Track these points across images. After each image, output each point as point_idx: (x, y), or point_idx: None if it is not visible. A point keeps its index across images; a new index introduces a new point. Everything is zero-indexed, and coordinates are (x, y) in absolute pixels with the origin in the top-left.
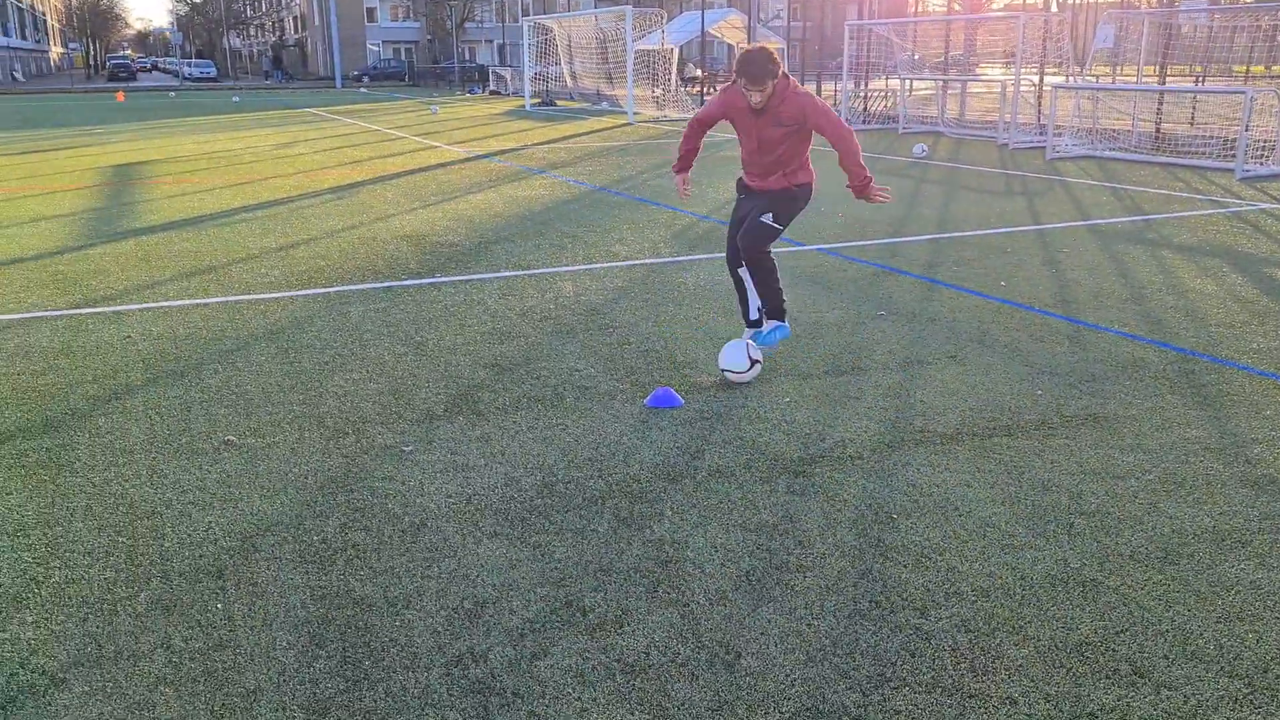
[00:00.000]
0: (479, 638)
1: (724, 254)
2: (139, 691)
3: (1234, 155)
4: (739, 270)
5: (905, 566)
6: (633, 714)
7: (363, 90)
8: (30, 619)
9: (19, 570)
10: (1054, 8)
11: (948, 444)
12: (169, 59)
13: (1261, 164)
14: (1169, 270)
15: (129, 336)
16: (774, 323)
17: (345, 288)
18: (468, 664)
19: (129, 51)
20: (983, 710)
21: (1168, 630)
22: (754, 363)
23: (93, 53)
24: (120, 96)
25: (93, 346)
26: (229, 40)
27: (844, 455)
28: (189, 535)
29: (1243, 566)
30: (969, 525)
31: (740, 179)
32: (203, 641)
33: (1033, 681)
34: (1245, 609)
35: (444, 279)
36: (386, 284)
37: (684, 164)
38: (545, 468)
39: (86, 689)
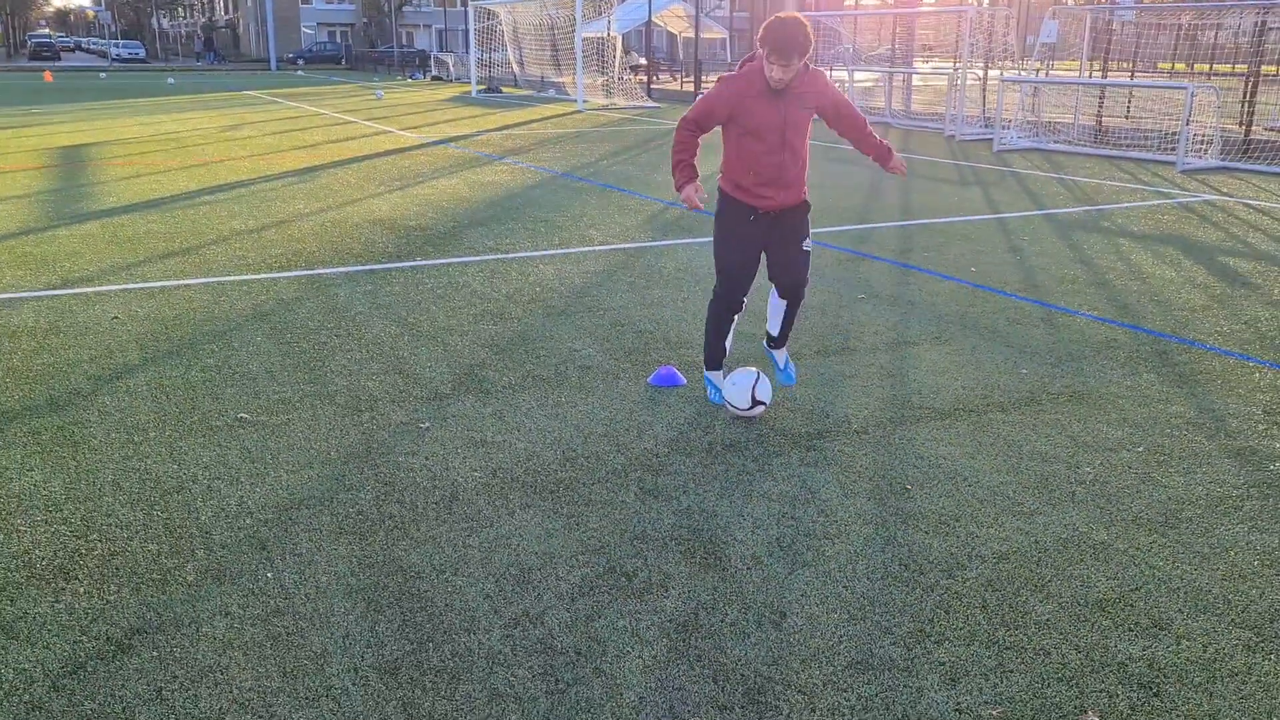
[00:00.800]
0: (531, 601)
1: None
2: (207, 656)
3: (1173, 148)
4: (738, 313)
5: (926, 533)
6: (693, 669)
7: (299, 73)
8: (81, 589)
9: (59, 544)
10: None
11: (947, 419)
12: (92, 39)
13: (1200, 157)
14: (1126, 258)
15: (116, 317)
16: (786, 352)
17: (326, 270)
18: (526, 626)
19: (47, 30)
20: (1020, 661)
21: (1179, 587)
22: (756, 403)
23: (10, 31)
24: (48, 76)
25: (82, 327)
26: (159, 20)
27: (850, 430)
28: (223, 509)
29: (1238, 529)
30: (979, 494)
31: (732, 201)
32: (260, 609)
33: (1062, 635)
34: (1246, 567)
35: (424, 262)
36: (367, 267)
37: (692, 172)
38: (563, 443)
39: (154, 654)
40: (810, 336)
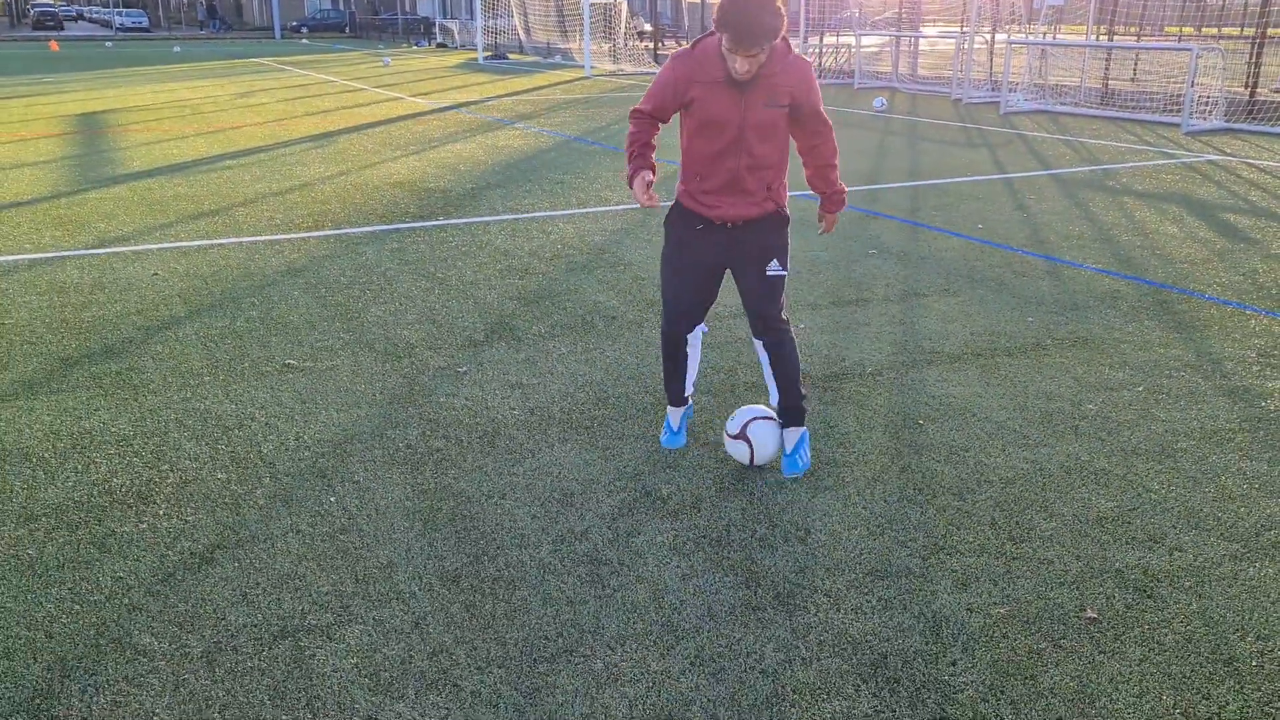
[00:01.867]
0: (575, 521)
1: None
2: (284, 565)
3: (1178, 110)
4: (689, 341)
5: (938, 461)
6: (728, 576)
7: (304, 41)
8: (160, 512)
9: (134, 473)
10: None
11: (956, 363)
12: (94, 8)
13: (1204, 119)
14: (1131, 215)
15: (157, 274)
16: (801, 431)
17: (352, 230)
18: (572, 541)
19: None
20: (1025, 569)
21: (1173, 507)
22: (741, 437)
23: (13, 1)
24: (54, 46)
25: (125, 283)
26: None
27: (864, 373)
28: (282, 443)
29: (1229, 457)
30: (987, 428)
31: (680, 208)
32: (328, 527)
33: (1064, 547)
34: (1235, 490)
35: (446, 221)
36: (393, 226)
37: (642, 161)
38: (594, 384)
39: (235, 565)
40: (825, 289)
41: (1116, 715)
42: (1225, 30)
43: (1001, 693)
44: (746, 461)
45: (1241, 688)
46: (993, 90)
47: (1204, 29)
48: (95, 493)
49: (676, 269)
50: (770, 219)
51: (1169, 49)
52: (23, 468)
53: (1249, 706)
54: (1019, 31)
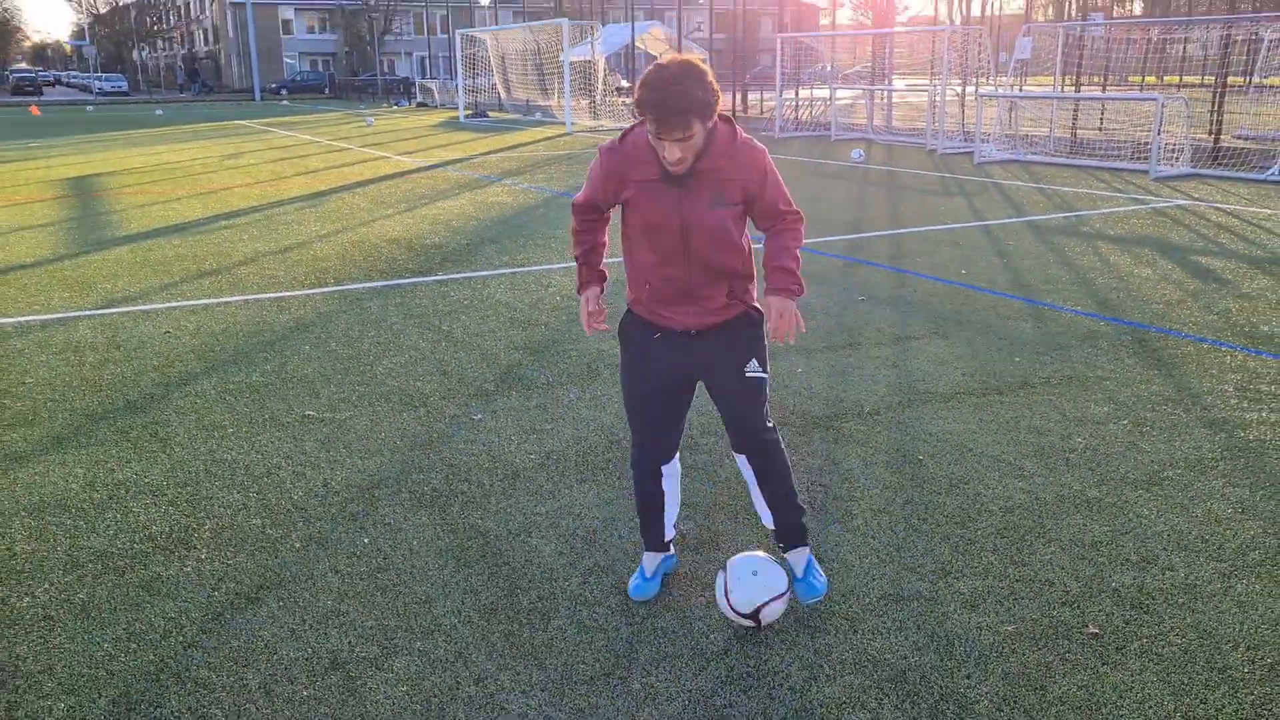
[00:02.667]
0: (600, 556)
1: None
2: (327, 603)
3: (1146, 157)
4: (663, 477)
5: (939, 493)
6: None
7: (284, 103)
8: (203, 556)
9: (172, 521)
10: (957, 21)
11: (950, 402)
12: (71, 72)
13: (1171, 165)
14: (1105, 259)
15: (168, 332)
16: (806, 553)
17: (353, 286)
18: (600, 575)
19: (23, 64)
20: (1028, 590)
21: (1162, 530)
22: (754, 617)
23: None
24: (35, 110)
25: (138, 341)
26: (140, 53)
27: (863, 413)
28: (311, 490)
29: (1213, 484)
30: (984, 462)
31: (633, 316)
32: (365, 566)
33: (1063, 569)
34: (1221, 514)
35: (445, 276)
36: (393, 282)
37: (591, 273)
38: (605, 428)
39: (281, 604)
40: (819, 334)
41: None
42: (1187, 79)
43: (1014, 703)
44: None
45: (1236, 693)
46: (966, 140)
47: (1166, 78)
48: (136, 539)
49: (639, 384)
50: (740, 320)
51: (1135, 99)
52: (63, 518)
53: (1243, 709)
54: (987, 84)
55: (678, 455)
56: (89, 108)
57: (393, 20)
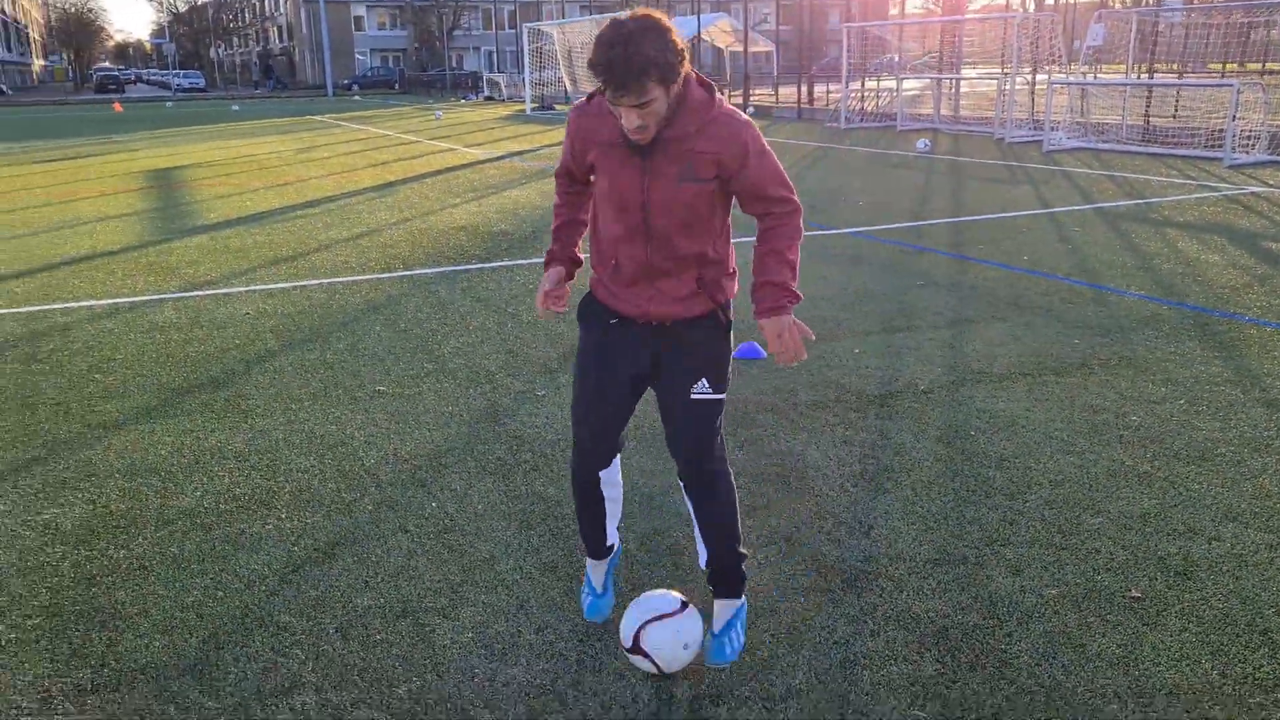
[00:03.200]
0: (656, 520)
1: None
2: (398, 559)
3: (1220, 145)
4: (602, 484)
5: (989, 467)
6: (799, 566)
7: (356, 98)
8: (283, 515)
9: (254, 484)
10: (1029, 8)
11: (1005, 382)
12: (151, 70)
13: (1247, 153)
14: (1173, 244)
15: (247, 313)
16: (737, 604)
17: (422, 271)
18: (656, 538)
19: (106, 63)
20: (1074, 558)
21: (1211, 504)
22: (636, 650)
23: (74, 65)
24: (118, 107)
25: (219, 322)
26: (217, 50)
27: (917, 391)
28: (382, 457)
29: (1266, 461)
30: (1036, 437)
31: (592, 299)
32: (432, 528)
33: (1110, 539)
34: (1272, 489)
35: (512, 263)
36: (460, 267)
37: (562, 250)
38: (655, 403)
39: (355, 559)
40: (876, 317)
41: (1158, 677)
42: (1270, 65)
43: (1053, 659)
44: (655, 672)
45: (1275, 654)
46: (1035, 129)
47: (1247, 64)
48: (221, 500)
49: (587, 377)
50: (704, 323)
51: (1209, 86)
52: (154, 480)
53: None
54: (1059, 72)
55: (618, 459)
56: (168, 104)
57: (461, 15)
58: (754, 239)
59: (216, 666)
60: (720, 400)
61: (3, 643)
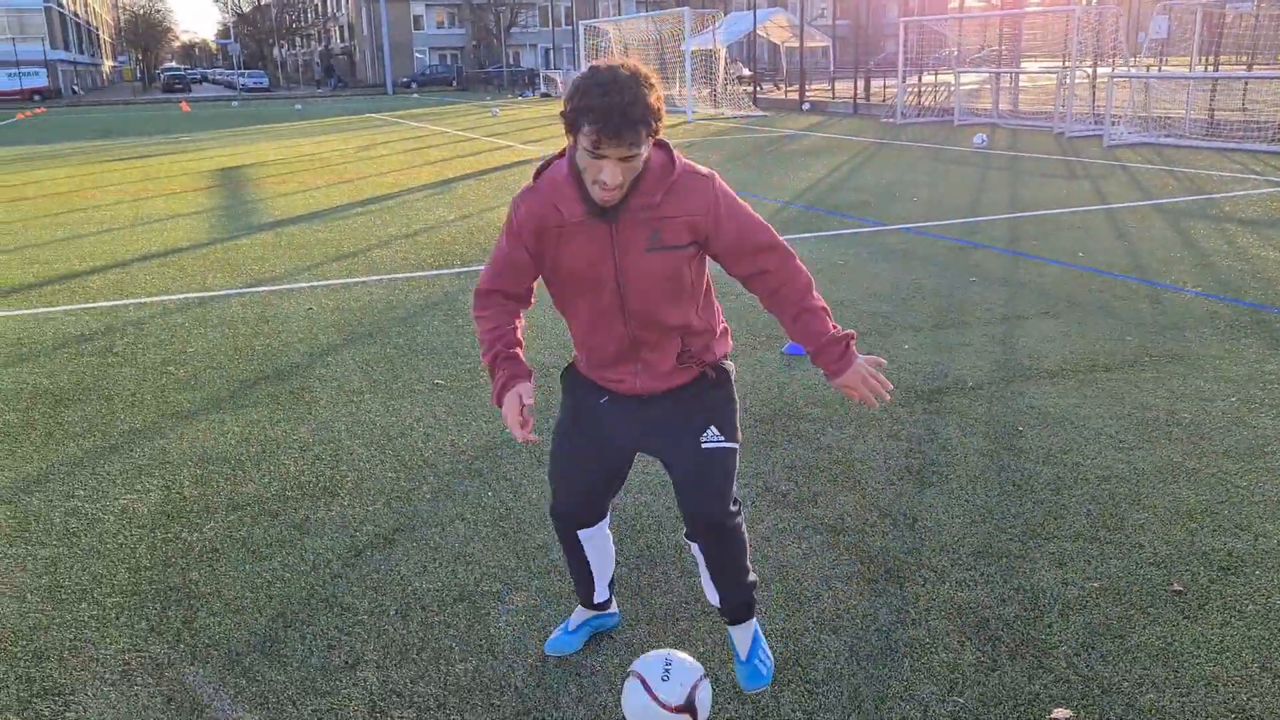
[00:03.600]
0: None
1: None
2: (455, 545)
3: None
4: (584, 543)
5: (1036, 462)
6: (843, 556)
7: (414, 95)
8: (345, 503)
9: (318, 472)
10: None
11: (1055, 378)
12: (217, 70)
13: None
14: (1233, 241)
15: (311, 309)
16: (752, 626)
17: (479, 268)
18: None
19: (173, 63)
20: (1117, 552)
21: (1260, 501)
22: (688, 710)
23: (141, 65)
24: (185, 107)
25: (284, 316)
26: (280, 50)
27: (966, 387)
28: (440, 448)
29: None
30: (1084, 434)
31: (574, 372)
32: (488, 515)
33: (1154, 534)
34: None
35: None
36: None
37: (509, 372)
38: None
39: (414, 545)
40: (927, 313)
41: (1198, 669)
42: None
43: (1093, 649)
44: None
45: None
46: (1095, 124)
47: None
48: (288, 487)
49: (570, 442)
50: (696, 384)
51: (1274, 77)
52: (224, 468)
53: None
54: (1121, 65)
55: (607, 519)
56: (233, 103)
57: (519, 13)
58: (762, 305)
59: (284, 643)
60: (734, 450)
61: (86, 619)
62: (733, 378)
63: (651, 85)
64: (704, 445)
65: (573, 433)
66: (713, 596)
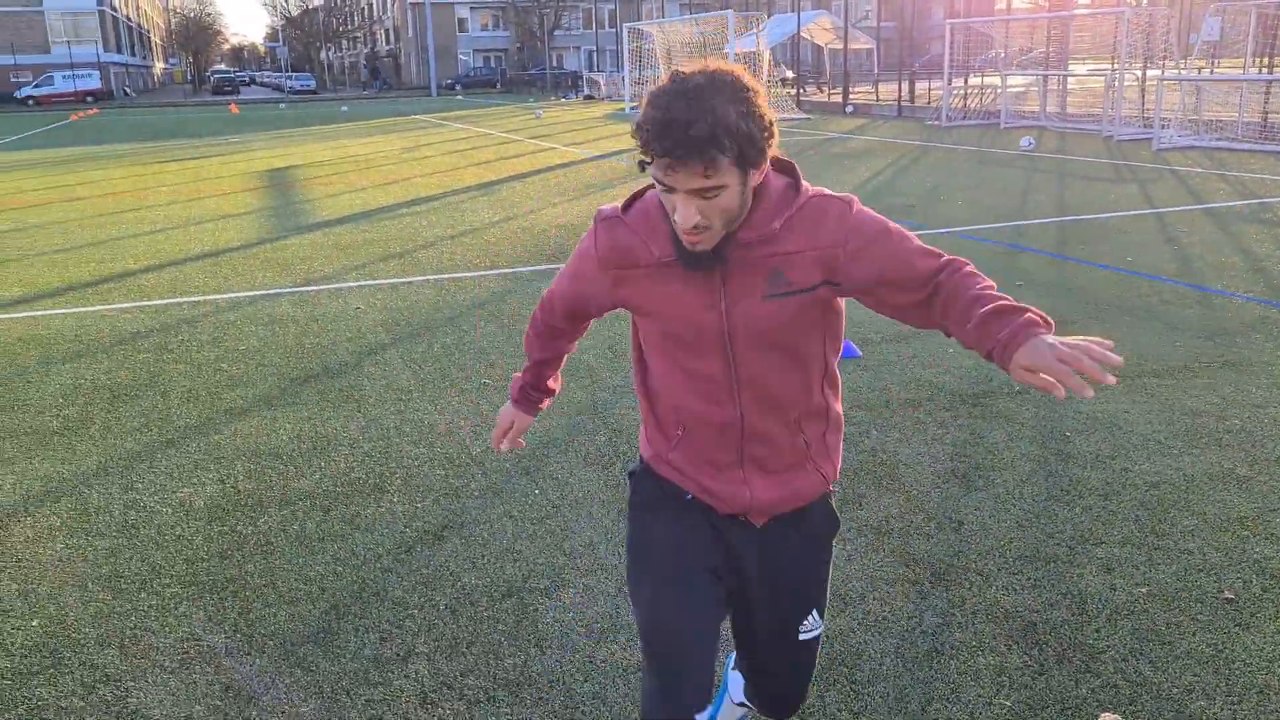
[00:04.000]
0: None
1: None
2: (503, 542)
3: None
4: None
5: (1084, 467)
6: (888, 558)
7: (458, 97)
8: (395, 499)
9: (368, 469)
10: (1143, 1)
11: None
12: (265, 72)
13: None
14: None
15: (359, 308)
16: None
17: (525, 269)
18: None
19: (222, 65)
20: (1167, 558)
21: None
22: None
23: (192, 67)
24: (234, 109)
25: (332, 315)
26: (326, 53)
27: (1012, 391)
28: (487, 447)
29: None
30: (1133, 439)
31: (649, 473)
32: (536, 514)
33: (1204, 540)
34: None
35: None
36: (561, 266)
37: (536, 388)
38: None
39: (462, 541)
40: None
41: (1249, 677)
42: None
43: (1141, 655)
44: None
45: None
46: (1144, 127)
47: None
48: (339, 483)
49: (663, 578)
50: (816, 513)
51: None
52: (276, 463)
53: None
54: (1172, 67)
55: (726, 695)
56: (281, 105)
57: (562, 16)
58: (931, 327)
59: (338, 635)
60: (817, 635)
61: (145, 608)
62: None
63: (738, 97)
64: (801, 637)
65: (658, 563)
66: (737, 692)
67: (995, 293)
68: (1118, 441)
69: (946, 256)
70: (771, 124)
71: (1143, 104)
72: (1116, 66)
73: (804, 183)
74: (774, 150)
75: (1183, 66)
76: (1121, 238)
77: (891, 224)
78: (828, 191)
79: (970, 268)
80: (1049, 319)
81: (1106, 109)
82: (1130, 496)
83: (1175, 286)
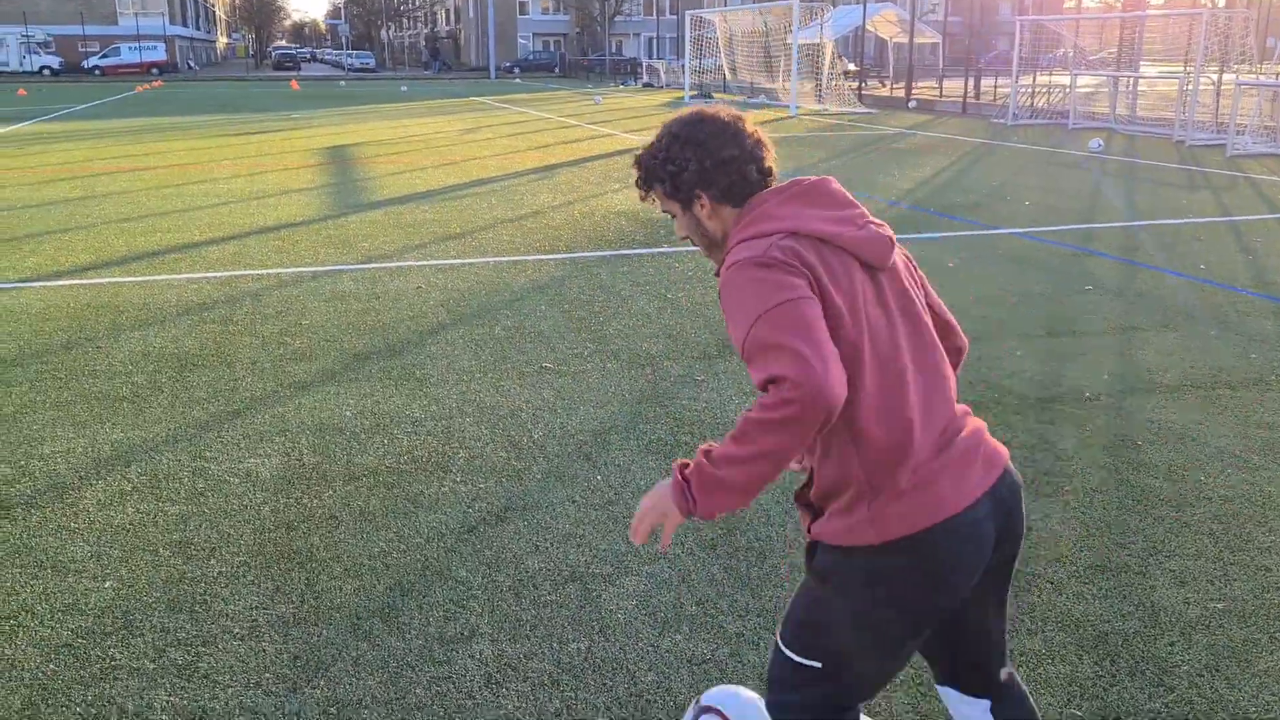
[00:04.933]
0: None
1: None
2: (565, 526)
3: None
4: None
5: (1156, 478)
6: None
7: (517, 81)
8: (458, 479)
9: (431, 448)
10: (1220, 3)
11: (1175, 393)
12: (326, 50)
13: None
14: None
15: (420, 287)
16: None
17: (584, 254)
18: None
19: (283, 42)
20: (1242, 573)
21: None
22: None
23: (254, 43)
24: (295, 85)
25: (394, 294)
26: (387, 32)
27: (1081, 398)
28: (549, 431)
29: None
30: (1207, 451)
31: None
32: (598, 499)
33: None
34: None
35: (672, 250)
36: (620, 252)
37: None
38: None
39: (525, 524)
40: (1037, 320)
41: None
42: None
43: (1217, 671)
44: None
45: None
46: (1218, 132)
47: None
48: (402, 461)
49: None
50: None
51: None
52: (339, 439)
53: None
54: (1249, 72)
55: None
56: (341, 83)
57: (623, 1)
58: None
59: (402, 611)
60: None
61: (215, 575)
62: None
63: (692, 141)
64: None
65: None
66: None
67: (737, 428)
68: (1190, 453)
69: (764, 375)
70: (713, 168)
71: (1217, 108)
72: (1191, 69)
73: (751, 221)
74: (712, 193)
75: (1261, 71)
76: (1194, 245)
77: (752, 288)
78: (746, 237)
79: (769, 399)
80: (701, 462)
81: (1179, 113)
82: (1204, 509)
83: (1250, 297)
